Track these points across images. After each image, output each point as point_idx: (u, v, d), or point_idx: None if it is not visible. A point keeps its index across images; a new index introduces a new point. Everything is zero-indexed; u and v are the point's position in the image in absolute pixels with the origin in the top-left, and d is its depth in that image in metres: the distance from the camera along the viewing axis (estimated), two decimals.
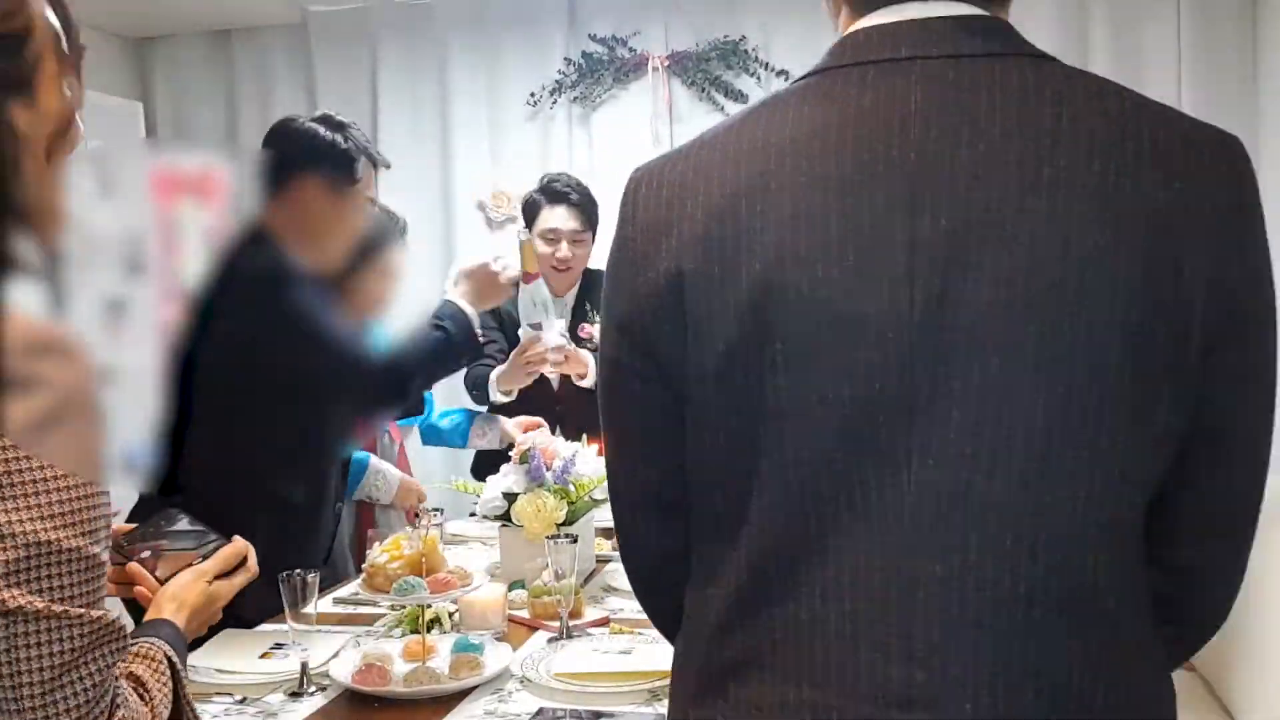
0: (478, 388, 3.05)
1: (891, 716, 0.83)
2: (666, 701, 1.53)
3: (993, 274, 0.80)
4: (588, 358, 2.98)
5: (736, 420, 0.87)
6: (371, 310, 2.51)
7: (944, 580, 0.82)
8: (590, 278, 3.20)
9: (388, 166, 2.22)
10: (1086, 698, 0.84)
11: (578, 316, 3.14)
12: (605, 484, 1.12)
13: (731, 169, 0.87)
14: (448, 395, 3.39)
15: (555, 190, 3.05)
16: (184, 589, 1.29)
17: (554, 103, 3.99)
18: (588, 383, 3.04)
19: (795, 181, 0.84)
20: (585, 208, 3.07)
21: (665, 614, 1.03)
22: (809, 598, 0.86)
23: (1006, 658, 0.82)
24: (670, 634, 1.03)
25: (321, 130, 2.09)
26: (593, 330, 3.09)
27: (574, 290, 3.19)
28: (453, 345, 2.14)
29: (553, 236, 3.05)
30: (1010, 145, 0.81)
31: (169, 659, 1.09)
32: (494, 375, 2.97)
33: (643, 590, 1.07)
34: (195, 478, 1.83)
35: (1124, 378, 0.81)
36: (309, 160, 2.06)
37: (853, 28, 0.90)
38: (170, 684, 1.06)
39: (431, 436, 3.11)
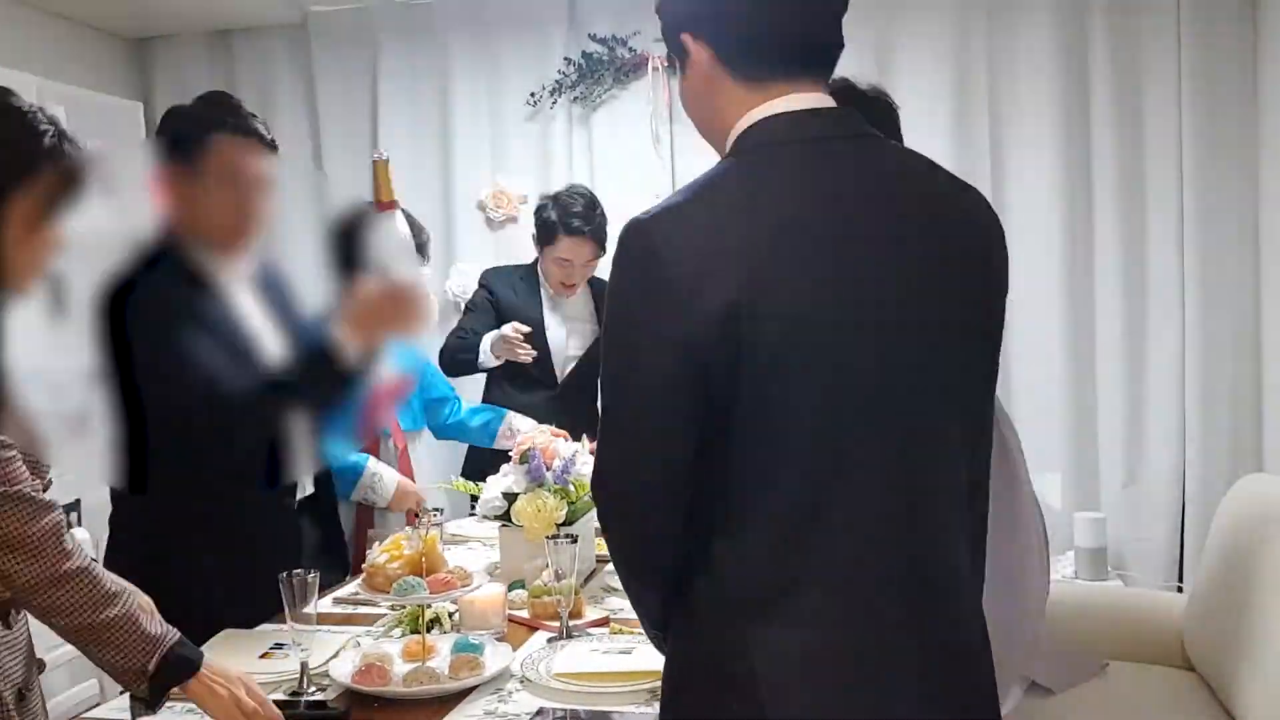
0: (466, 350, 3.20)
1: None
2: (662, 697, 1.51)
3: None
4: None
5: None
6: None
7: None
8: (596, 282, 3.35)
9: (260, 136, 1.99)
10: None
11: (600, 321, 3.24)
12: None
13: (749, 221, 1.12)
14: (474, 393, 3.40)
15: (574, 225, 3.17)
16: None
17: (554, 103, 3.99)
18: (575, 349, 3.26)
19: (796, 235, 1.13)
20: (600, 237, 3.21)
21: (658, 598, 1.25)
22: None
23: None
24: (660, 614, 1.25)
25: (183, 106, 2.00)
26: None
27: (584, 297, 3.34)
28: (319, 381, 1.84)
29: (566, 264, 3.22)
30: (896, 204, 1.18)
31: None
32: (488, 341, 3.13)
33: (645, 569, 1.26)
34: (153, 480, 1.83)
35: None
36: (159, 141, 1.97)
37: (766, 111, 1.19)
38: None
39: (454, 433, 3.12)
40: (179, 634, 1.49)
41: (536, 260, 3.33)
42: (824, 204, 1.15)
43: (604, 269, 3.44)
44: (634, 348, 1.15)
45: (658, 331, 1.11)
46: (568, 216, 3.18)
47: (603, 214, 3.24)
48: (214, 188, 1.94)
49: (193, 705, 1.63)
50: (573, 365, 3.30)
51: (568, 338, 3.30)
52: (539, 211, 3.28)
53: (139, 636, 1.44)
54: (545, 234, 3.22)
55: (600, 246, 3.22)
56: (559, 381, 3.28)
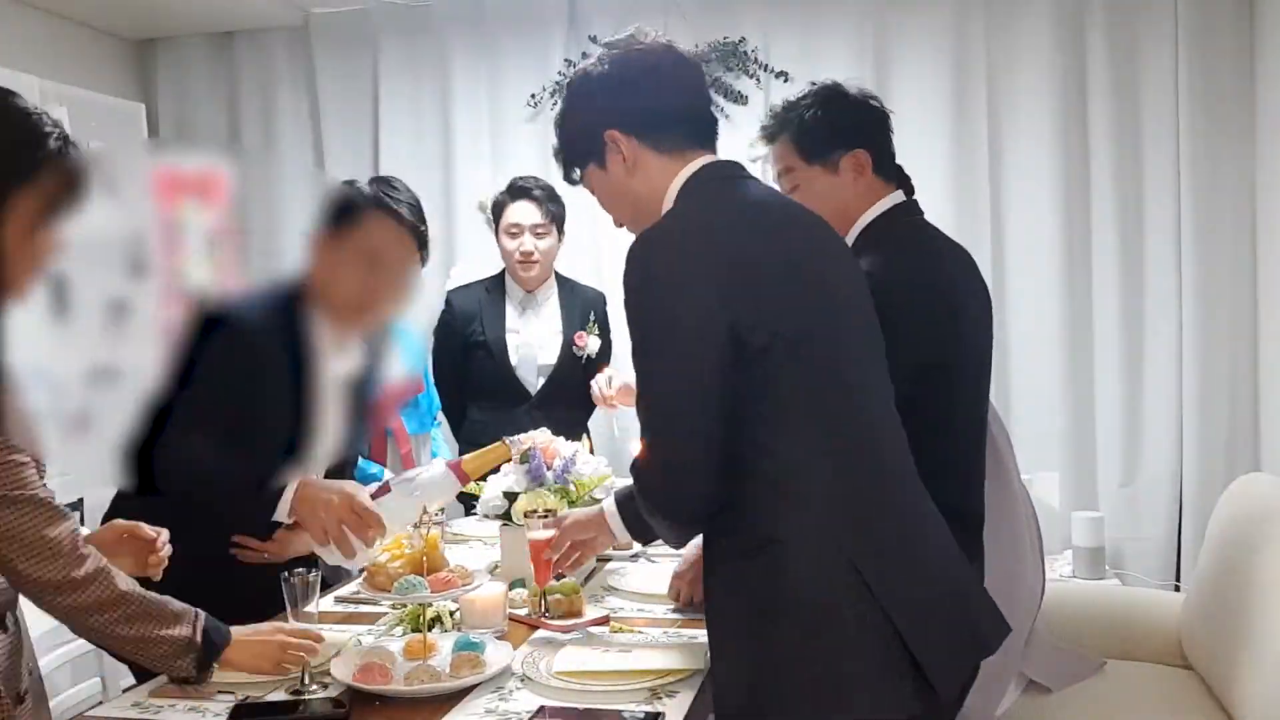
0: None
1: None
2: (666, 700, 1.53)
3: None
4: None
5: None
6: (385, 321, 2.51)
7: None
8: (568, 286, 3.27)
9: (414, 228, 2.00)
10: None
11: (569, 326, 3.20)
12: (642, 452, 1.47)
13: (743, 233, 1.46)
14: None
15: (517, 186, 3.18)
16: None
17: (554, 104, 3.99)
18: (547, 357, 3.17)
19: (781, 242, 1.49)
20: (546, 202, 3.16)
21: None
22: None
23: None
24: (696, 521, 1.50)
25: (354, 183, 2.03)
26: (588, 340, 3.19)
27: (552, 296, 3.25)
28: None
29: (515, 230, 3.15)
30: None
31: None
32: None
33: (694, 526, 1.53)
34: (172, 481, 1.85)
35: None
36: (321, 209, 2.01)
37: (694, 167, 1.53)
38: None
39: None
40: (201, 611, 1.59)
41: (504, 270, 3.27)
42: (776, 217, 1.53)
43: (619, 278, 3.46)
44: (678, 314, 1.38)
45: (700, 298, 1.37)
46: (512, 183, 3.21)
47: (553, 192, 3.19)
48: (354, 261, 1.95)
49: (193, 704, 1.64)
50: (548, 374, 3.20)
51: (540, 345, 3.20)
52: (492, 203, 3.26)
53: (170, 616, 1.54)
54: (497, 212, 3.20)
55: (548, 213, 3.15)
56: (533, 393, 3.18)
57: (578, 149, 1.59)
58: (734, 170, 1.56)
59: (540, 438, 2.33)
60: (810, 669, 1.38)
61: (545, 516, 1.95)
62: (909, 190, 1.98)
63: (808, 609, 1.39)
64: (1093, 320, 3.69)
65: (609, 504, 1.82)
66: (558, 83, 3.98)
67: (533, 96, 4.01)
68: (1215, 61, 3.50)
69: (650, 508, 1.51)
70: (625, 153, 1.53)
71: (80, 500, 3.28)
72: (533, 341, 3.21)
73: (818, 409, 1.42)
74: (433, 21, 4.07)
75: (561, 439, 2.37)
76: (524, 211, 3.15)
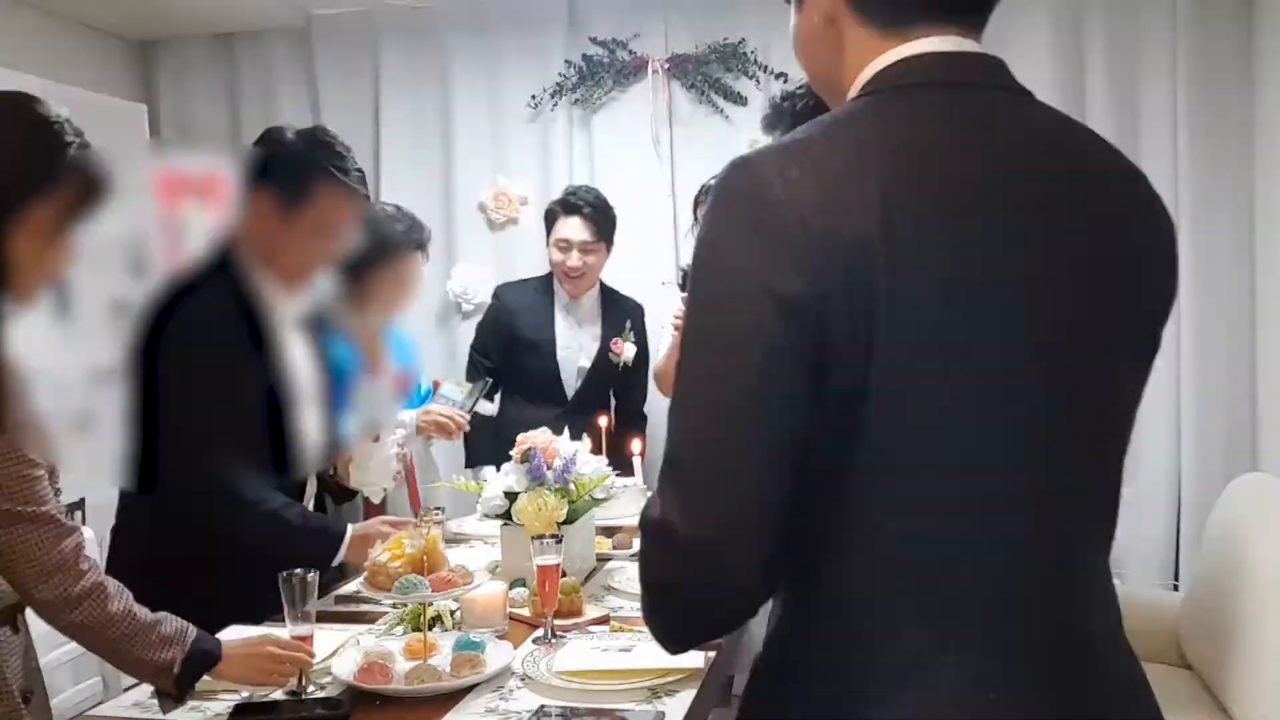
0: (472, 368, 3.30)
1: None
2: (666, 699, 1.53)
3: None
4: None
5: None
6: (384, 314, 2.53)
7: None
8: (611, 296, 3.45)
9: (361, 187, 2.04)
10: None
11: (607, 333, 3.37)
12: (656, 475, 0.94)
13: (881, 157, 0.88)
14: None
15: (570, 202, 3.31)
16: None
17: (554, 105, 4.00)
18: (585, 360, 3.33)
19: (945, 185, 0.88)
20: (598, 219, 3.30)
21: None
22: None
23: None
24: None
25: (290, 136, 1.99)
26: (624, 346, 3.36)
27: (594, 303, 3.42)
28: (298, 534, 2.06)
29: (564, 245, 3.28)
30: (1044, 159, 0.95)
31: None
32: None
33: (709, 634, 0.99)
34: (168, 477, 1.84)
35: None
36: (263, 170, 1.91)
37: (900, 54, 0.96)
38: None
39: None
40: (196, 630, 1.56)
41: (552, 272, 3.41)
42: (974, 156, 0.91)
43: (620, 280, 3.50)
44: (725, 305, 0.86)
45: (760, 282, 0.84)
46: (565, 196, 3.34)
47: (605, 203, 3.33)
48: (307, 234, 1.96)
49: (194, 704, 1.65)
50: (584, 377, 3.35)
51: (579, 349, 3.37)
52: (545, 210, 3.42)
53: (157, 640, 1.51)
54: (549, 221, 3.36)
55: (598, 230, 3.29)
56: (569, 398, 3.32)
57: None
58: (969, 72, 0.98)
59: (540, 438, 2.33)
60: None
61: (554, 540, 1.94)
62: None
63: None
64: None
65: None
66: (558, 83, 3.99)
67: (533, 97, 4.01)
68: (1214, 58, 3.49)
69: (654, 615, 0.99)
70: (819, 3, 1.00)
71: (82, 500, 3.29)
72: (573, 344, 3.36)
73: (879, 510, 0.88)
74: (433, 23, 4.07)
75: (561, 439, 2.38)
76: (574, 228, 3.28)
